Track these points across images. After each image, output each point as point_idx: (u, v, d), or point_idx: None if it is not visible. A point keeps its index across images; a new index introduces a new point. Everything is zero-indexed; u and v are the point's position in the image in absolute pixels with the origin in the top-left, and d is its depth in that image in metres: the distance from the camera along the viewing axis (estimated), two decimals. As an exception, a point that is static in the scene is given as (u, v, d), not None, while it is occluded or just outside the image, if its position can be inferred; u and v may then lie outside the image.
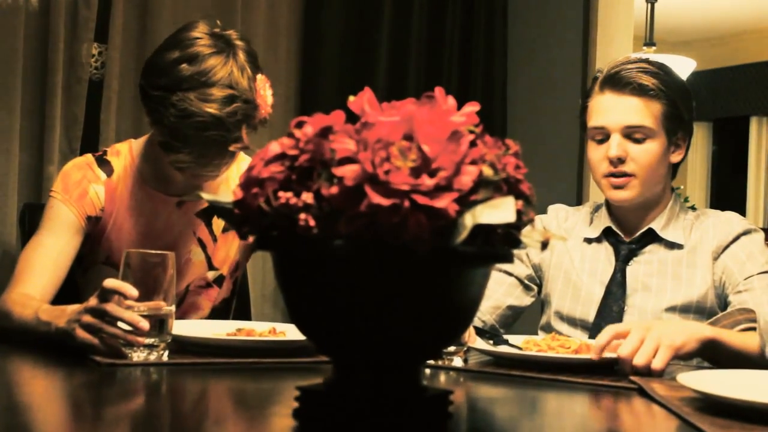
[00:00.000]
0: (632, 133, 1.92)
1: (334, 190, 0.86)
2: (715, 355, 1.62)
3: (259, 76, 1.79)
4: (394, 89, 3.20)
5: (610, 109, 1.93)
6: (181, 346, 1.55)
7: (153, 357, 1.42)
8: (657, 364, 1.48)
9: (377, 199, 0.84)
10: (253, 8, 2.99)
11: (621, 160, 1.92)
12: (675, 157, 2.00)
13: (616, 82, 1.93)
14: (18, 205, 2.36)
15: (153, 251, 1.48)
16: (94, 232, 1.93)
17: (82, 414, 1.13)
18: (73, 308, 1.51)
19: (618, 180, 1.93)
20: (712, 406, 1.17)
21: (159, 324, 1.43)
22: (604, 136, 1.95)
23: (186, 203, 1.95)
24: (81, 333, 1.45)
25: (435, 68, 3.42)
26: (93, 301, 1.45)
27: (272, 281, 2.99)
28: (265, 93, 1.79)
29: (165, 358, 1.43)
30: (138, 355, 1.41)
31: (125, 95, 2.66)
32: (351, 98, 0.94)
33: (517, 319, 2.13)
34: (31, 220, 2.13)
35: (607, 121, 1.93)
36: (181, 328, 1.63)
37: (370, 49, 3.26)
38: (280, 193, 0.89)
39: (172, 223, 1.98)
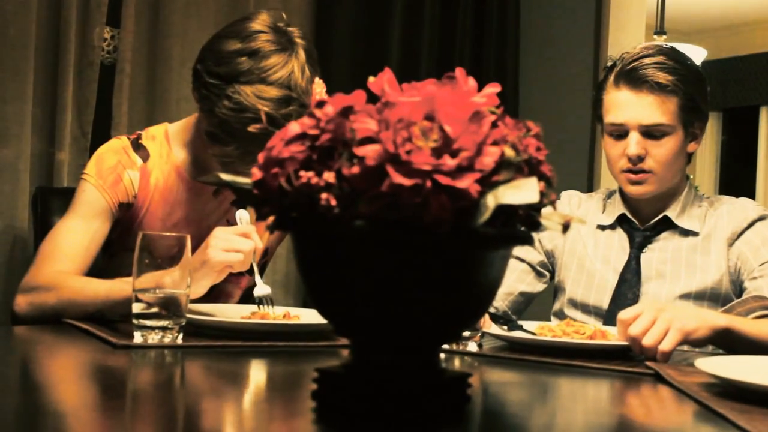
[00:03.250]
0: (651, 131, 1.92)
1: (356, 169, 0.85)
2: (729, 343, 1.61)
3: (317, 80, 1.76)
4: (405, 78, 3.18)
5: (627, 107, 1.92)
6: (196, 328, 1.55)
7: (167, 339, 1.41)
8: (665, 345, 1.48)
9: (399, 179, 0.83)
10: (265, -5, 2.98)
11: (640, 158, 1.92)
12: (692, 147, 1.99)
13: (633, 79, 1.91)
14: (30, 188, 2.36)
15: (168, 233, 1.47)
16: (124, 218, 1.90)
17: (95, 395, 1.13)
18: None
19: (636, 176, 1.93)
20: (730, 391, 1.16)
21: (173, 306, 1.43)
22: (622, 132, 1.94)
23: (222, 192, 1.92)
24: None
25: (447, 57, 3.41)
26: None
27: (284, 267, 2.99)
28: (321, 97, 1.76)
29: (179, 340, 1.43)
30: (152, 338, 1.41)
31: (137, 79, 2.65)
32: (371, 78, 0.93)
33: (528, 306, 2.13)
34: (43, 203, 2.12)
35: (625, 119, 1.92)
36: (196, 311, 1.63)
37: (382, 39, 3.25)
38: (301, 173, 0.88)
39: (207, 213, 1.95)
